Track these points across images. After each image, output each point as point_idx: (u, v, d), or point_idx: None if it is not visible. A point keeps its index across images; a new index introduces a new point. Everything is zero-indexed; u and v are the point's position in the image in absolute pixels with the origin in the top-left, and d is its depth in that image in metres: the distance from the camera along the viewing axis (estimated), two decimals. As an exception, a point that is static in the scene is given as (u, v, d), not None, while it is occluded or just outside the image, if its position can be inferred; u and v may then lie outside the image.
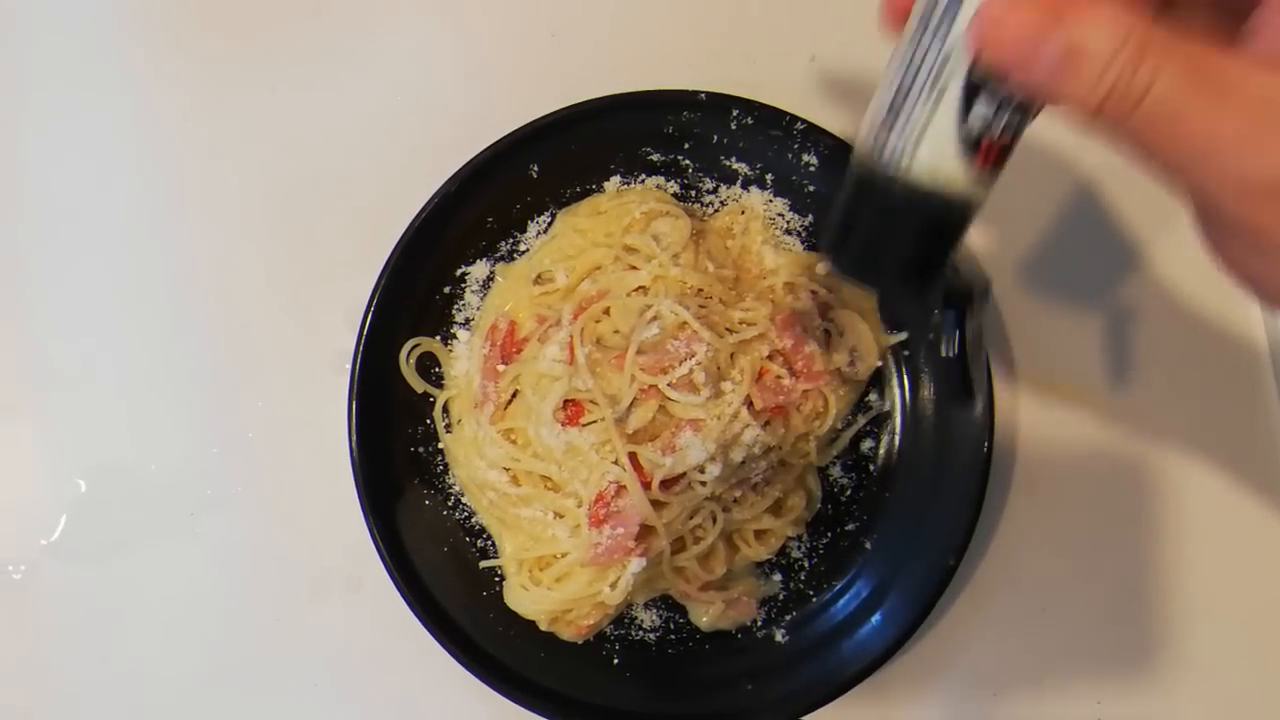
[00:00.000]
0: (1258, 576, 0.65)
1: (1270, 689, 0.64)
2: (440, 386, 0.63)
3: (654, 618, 0.63)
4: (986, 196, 0.38)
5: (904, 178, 0.36)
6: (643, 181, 0.64)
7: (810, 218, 0.64)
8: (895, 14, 0.38)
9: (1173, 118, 0.32)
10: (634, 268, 0.60)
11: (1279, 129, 0.32)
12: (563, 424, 0.58)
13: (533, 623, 0.60)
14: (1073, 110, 0.34)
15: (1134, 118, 0.32)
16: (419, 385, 0.63)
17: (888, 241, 0.38)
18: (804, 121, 0.61)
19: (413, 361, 0.62)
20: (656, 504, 0.57)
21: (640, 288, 0.60)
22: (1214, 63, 0.32)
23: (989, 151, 0.36)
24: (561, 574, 0.59)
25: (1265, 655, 0.64)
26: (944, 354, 0.41)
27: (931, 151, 0.36)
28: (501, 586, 0.62)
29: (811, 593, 0.63)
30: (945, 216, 0.37)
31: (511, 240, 0.64)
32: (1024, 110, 0.36)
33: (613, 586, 0.58)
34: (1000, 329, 0.65)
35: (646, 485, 0.56)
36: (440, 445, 0.63)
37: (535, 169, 0.63)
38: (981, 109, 0.35)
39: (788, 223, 0.64)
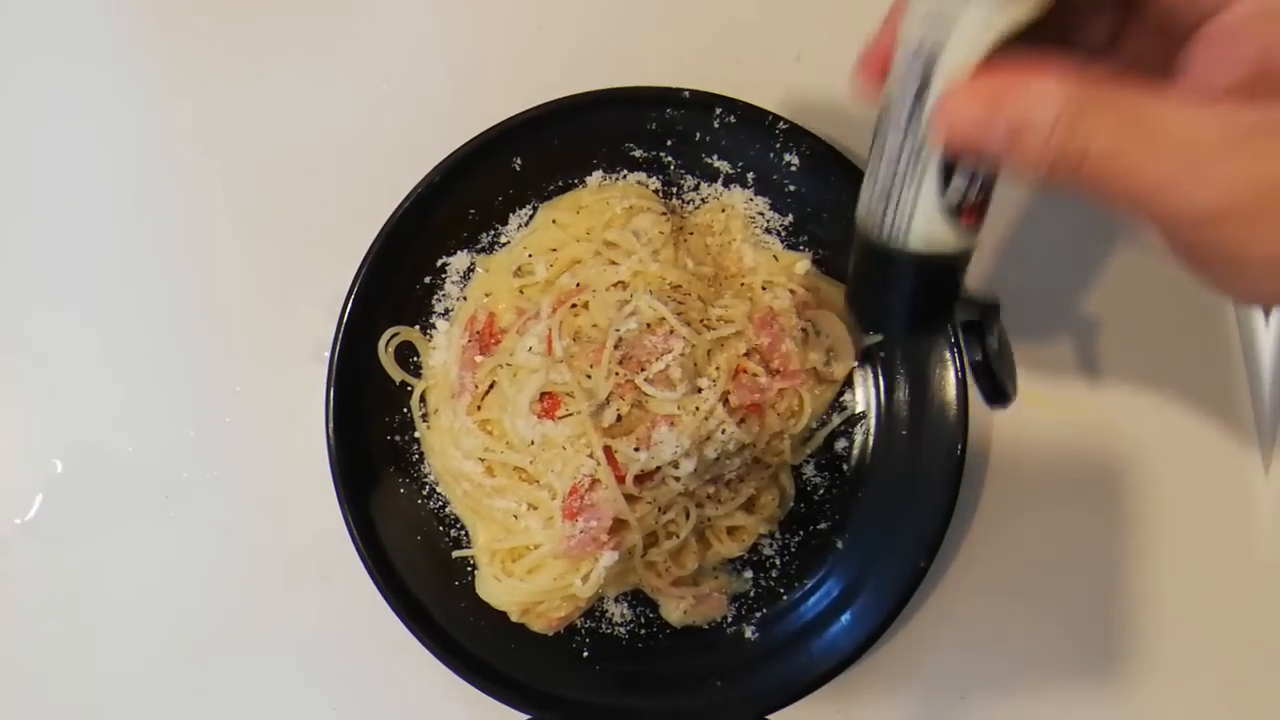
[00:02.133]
0: (1227, 581, 0.65)
1: (1238, 692, 0.65)
2: (418, 376, 0.64)
3: (625, 612, 0.63)
4: (975, 242, 0.43)
5: (904, 249, 0.42)
6: (625, 177, 0.64)
7: (790, 217, 0.64)
8: (870, 74, 0.43)
9: (1113, 170, 0.36)
10: (614, 263, 0.60)
11: (1206, 167, 0.35)
12: (539, 416, 0.58)
13: (504, 614, 0.61)
14: (1030, 174, 0.37)
15: (1080, 174, 0.36)
16: (397, 374, 0.63)
17: (900, 299, 0.44)
18: (786, 121, 0.62)
19: (391, 350, 0.63)
20: (630, 498, 0.57)
21: (620, 283, 0.60)
22: (1145, 110, 0.35)
23: (969, 212, 0.41)
24: (534, 566, 0.59)
25: (1233, 659, 0.65)
26: (971, 366, 0.48)
27: (923, 224, 0.41)
28: (474, 577, 0.62)
29: (782, 591, 0.63)
30: (944, 270, 0.43)
31: (493, 232, 0.64)
32: (994, 172, 0.41)
33: (584, 579, 0.58)
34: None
35: (621, 479, 0.56)
36: (417, 434, 0.63)
37: (518, 162, 0.63)
38: (958, 182, 0.40)
39: (768, 221, 0.64)
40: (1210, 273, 0.39)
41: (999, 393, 0.49)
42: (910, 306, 0.44)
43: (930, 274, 0.43)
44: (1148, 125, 0.35)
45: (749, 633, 0.63)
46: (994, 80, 0.37)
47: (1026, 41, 0.37)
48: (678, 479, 0.57)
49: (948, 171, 0.40)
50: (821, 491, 0.64)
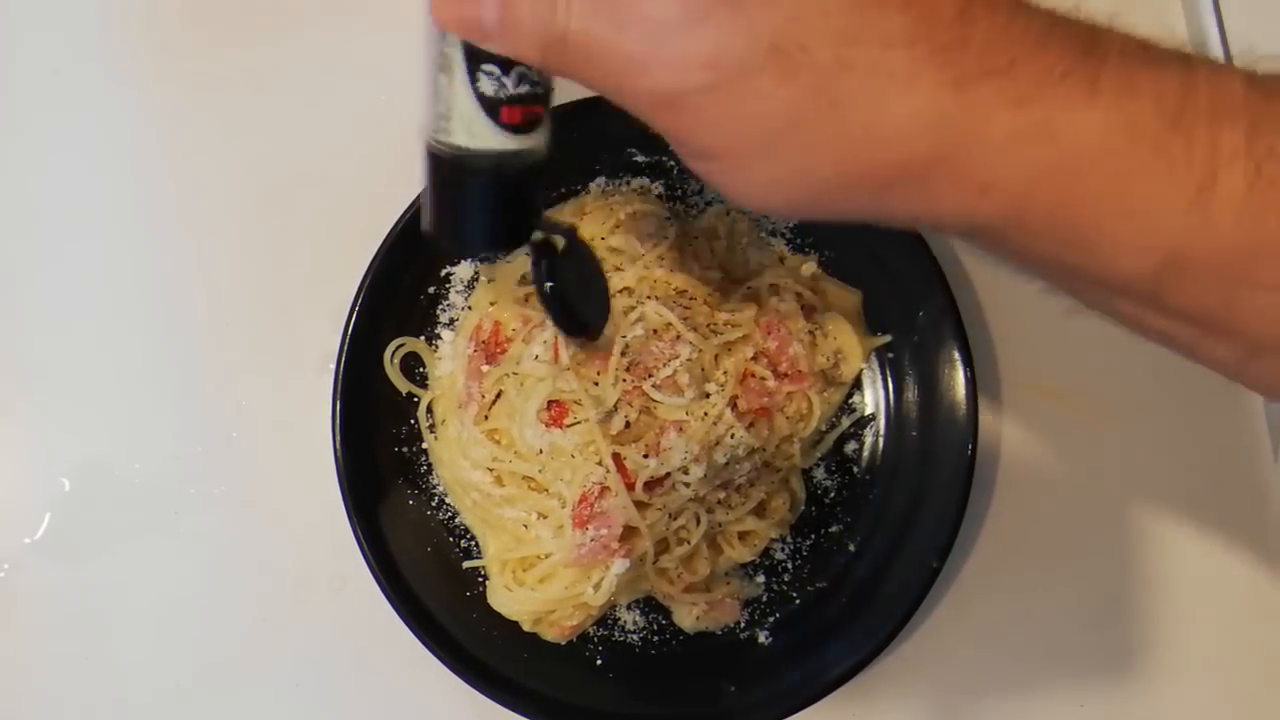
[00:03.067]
0: (1241, 575, 0.65)
1: (1251, 691, 0.65)
2: (424, 387, 0.63)
3: (637, 619, 0.63)
4: (538, 153, 0.41)
5: (450, 145, 0.40)
6: (628, 183, 0.64)
7: (795, 220, 0.64)
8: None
9: (589, 49, 0.35)
10: (619, 268, 0.60)
11: (664, 46, 0.33)
12: (546, 425, 0.58)
13: (516, 623, 0.60)
14: (529, 64, 0.37)
15: (567, 57, 0.35)
16: (403, 385, 0.63)
17: (464, 206, 0.42)
18: (789, 123, 0.61)
19: (397, 362, 0.62)
20: (640, 505, 0.57)
21: (625, 289, 0.59)
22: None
23: (511, 112, 0.39)
24: (545, 575, 0.59)
25: (1247, 658, 0.65)
26: (540, 293, 0.46)
27: (462, 119, 0.40)
28: (485, 587, 0.62)
29: (795, 594, 0.63)
30: (500, 173, 0.41)
31: (497, 241, 0.64)
32: (528, 77, 0.40)
33: (596, 587, 0.58)
34: (985, 332, 0.65)
35: (630, 486, 0.56)
36: (424, 446, 0.63)
37: (520, 169, 0.62)
38: (486, 84, 0.39)
39: (773, 224, 0.64)
40: (699, 171, 0.38)
41: (574, 323, 0.48)
42: (475, 217, 0.43)
43: (481, 176, 0.41)
44: (618, 5, 0.34)
45: (762, 637, 0.63)
46: None
47: None
48: (688, 485, 0.57)
49: (473, 73, 0.39)
50: (832, 494, 0.64)
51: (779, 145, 0.34)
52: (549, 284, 0.45)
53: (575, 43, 0.35)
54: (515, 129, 0.40)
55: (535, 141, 0.41)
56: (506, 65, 0.39)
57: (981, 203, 0.34)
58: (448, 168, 0.41)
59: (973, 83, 0.32)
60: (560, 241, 0.45)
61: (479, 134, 0.40)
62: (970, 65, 0.32)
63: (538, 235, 0.44)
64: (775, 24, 0.32)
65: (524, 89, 0.40)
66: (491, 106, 0.39)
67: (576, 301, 0.47)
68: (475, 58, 0.39)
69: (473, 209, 0.42)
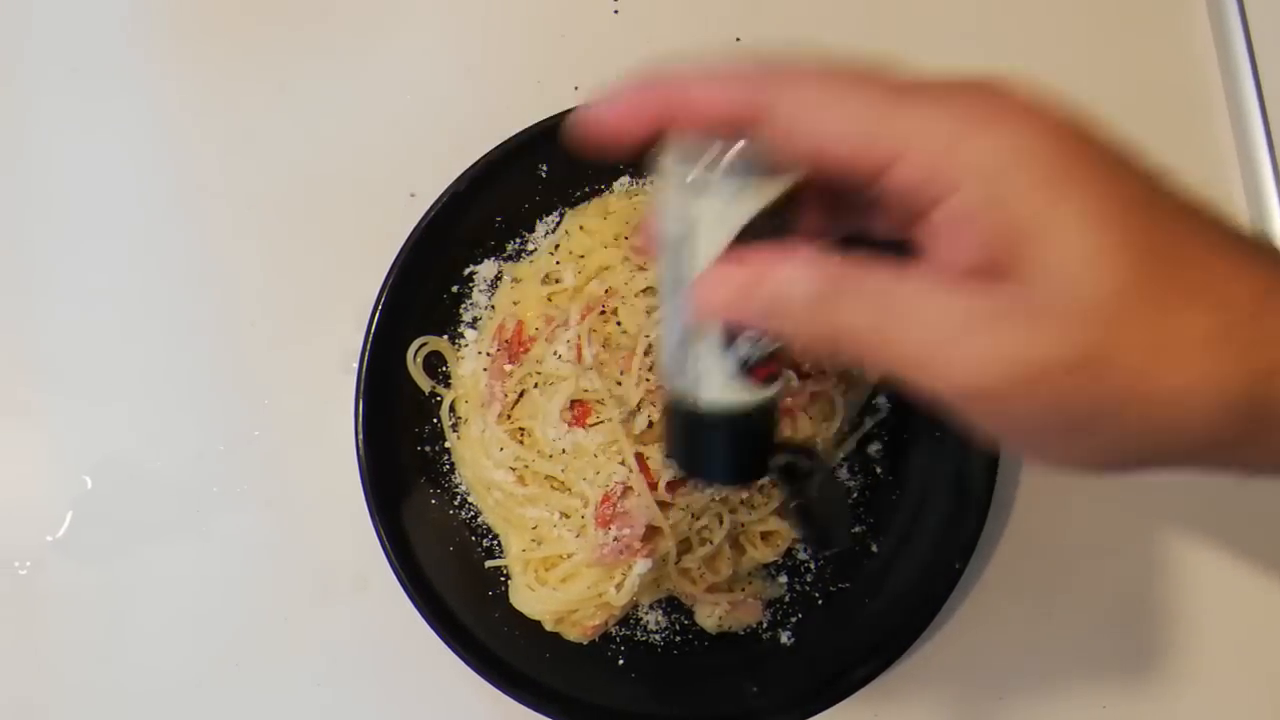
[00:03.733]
0: (1264, 581, 0.65)
1: (1273, 694, 0.64)
2: (447, 386, 0.63)
3: (660, 619, 0.63)
4: (778, 396, 0.44)
5: (702, 402, 0.42)
6: (652, 182, 0.64)
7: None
8: (647, 253, 0.45)
9: (871, 346, 0.36)
10: (642, 268, 0.60)
11: (954, 349, 0.34)
12: (569, 424, 0.58)
13: (538, 623, 0.60)
14: (798, 347, 0.40)
15: (840, 348, 0.37)
16: (426, 384, 0.63)
17: (711, 456, 0.45)
18: (813, 123, 0.61)
19: (420, 360, 0.62)
20: (663, 505, 0.56)
21: (649, 288, 0.59)
22: (893, 291, 0.35)
23: (759, 370, 0.42)
24: (567, 574, 0.59)
25: (1269, 661, 0.64)
26: (789, 512, 0.52)
27: (714, 389, 0.42)
28: (507, 586, 0.62)
29: (818, 595, 0.63)
30: (747, 423, 0.43)
31: (520, 240, 0.64)
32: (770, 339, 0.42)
33: (618, 587, 0.58)
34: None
35: (653, 486, 0.56)
36: (447, 444, 0.63)
37: (544, 169, 0.62)
38: (742, 347, 0.41)
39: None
40: (996, 439, 0.40)
41: (821, 538, 0.51)
42: (724, 458, 0.45)
43: (733, 427, 0.43)
44: (897, 307, 0.35)
45: (785, 638, 0.63)
46: (742, 266, 0.38)
47: (773, 235, 0.39)
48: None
49: (731, 338, 0.40)
50: (856, 494, 0.64)
51: (1082, 432, 0.35)
52: (794, 503, 0.49)
53: (852, 340, 0.36)
54: (763, 383, 0.42)
55: (775, 393, 0.43)
56: (754, 340, 0.41)
57: None
58: (699, 419, 0.43)
59: (1273, 374, 0.34)
60: (805, 465, 0.47)
61: (729, 391, 0.42)
62: (1270, 357, 0.34)
63: (781, 460, 0.46)
64: (1084, 339, 0.34)
65: (776, 346, 0.41)
66: (744, 368, 0.41)
67: (819, 514, 0.49)
68: (734, 330, 0.40)
69: (722, 452, 0.45)
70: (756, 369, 0.41)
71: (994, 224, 0.35)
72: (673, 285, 0.41)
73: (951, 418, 0.37)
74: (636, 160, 0.41)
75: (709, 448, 0.44)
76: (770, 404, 0.43)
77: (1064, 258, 0.33)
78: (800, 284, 0.36)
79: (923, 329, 0.35)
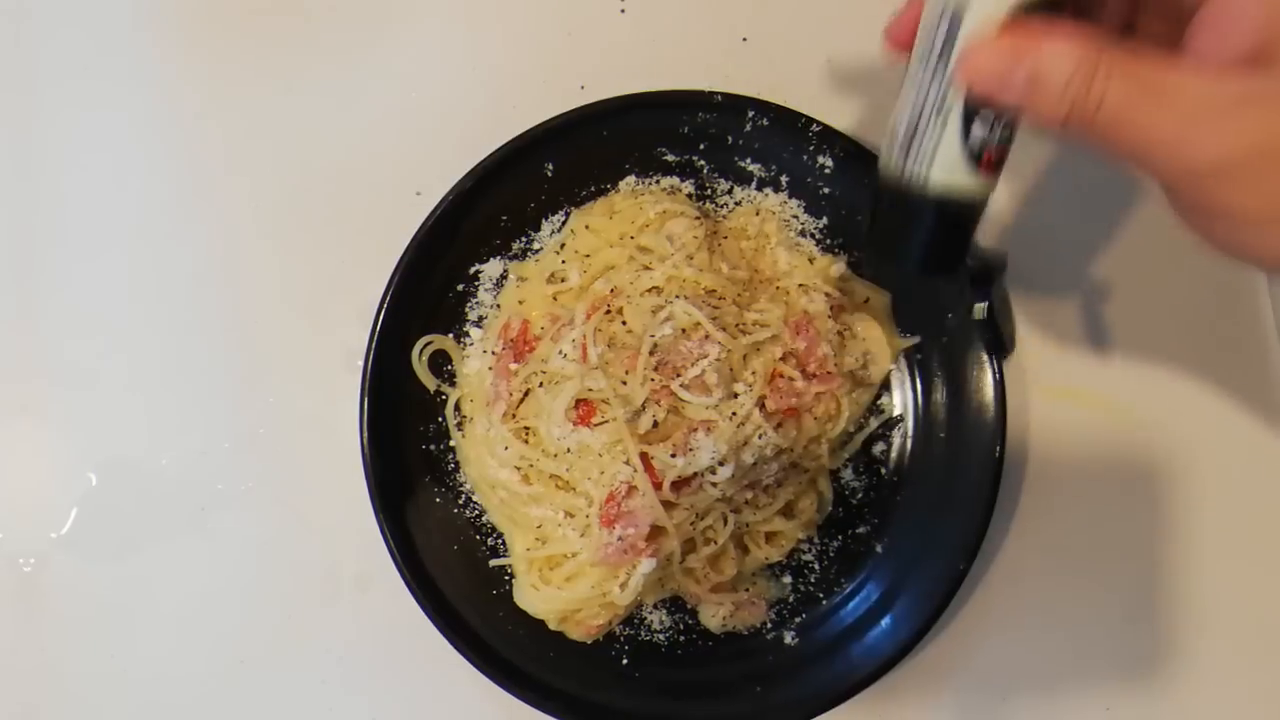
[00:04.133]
0: (1268, 582, 0.65)
1: (1277, 691, 0.64)
2: (452, 384, 0.63)
3: (663, 619, 0.63)
4: (993, 189, 0.46)
5: (924, 192, 0.45)
6: (658, 182, 0.64)
7: (825, 220, 0.64)
8: (897, 40, 0.46)
9: (1123, 123, 0.39)
10: (648, 268, 0.60)
11: (1210, 126, 0.38)
12: (574, 423, 0.58)
13: (542, 622, 0.60)
14: (1046, 124, 0.41)
15: (1093, 126, 0.39)
16: (431, 383, 0.63)
17: (917, 242, 0.46)
18: (820, 124, 0.61)
19: (425, 359, 0.62)
20: (667, 505, 0.56)
21: (654, 288, 0.59)
22: (1155, 75, 0.39)
23: (989, 160, 0.44)
24: (571, 574, 0.59)
25: (1274, 664, 0.64)
26: (978, 318, 0.54)
27: (944, 169, 0.44)
28: (511, 585, 0.62)
29: (822, 595, 0.63)
30: (961, 215, 0.46)
31: (525, 239, 0.64)
32: (1012, 124, 0.44)
33: (622, 587, 0.58)
34: (1014, 334, 0.65)
35: (658, 486, 0.56)
36: (451, 443, 0.63)
37: (550, 167, 0.62)
38: (979, 129, 0.43)
39: (802, 224, 0.64)
40: (1212, 230, 0.42)
41: (1000, 344, 0.54)
42: (926, 249, 0.46)
43: (947, 217, 0.45)
44: (1158, 86, 0.39)
45: (789, 638, 0.63)
46: (1014, 38, 0.41)
47: (1045, 17, 0.41)
48: (715, 485, 0.57)
49: (968, 120, 0.43)
50: (860, 495, 0.64)
51: None
52: (985, 304, 0.52)
53: (1107, 116, 0.39)
54: (987, 172, 0.44)
55: (995, 181, 0.45)
56: (995, 121, 0.43)
57: None
58: (915, 200, 0.45)
59: None
60: (1000, 265, 0.50)
61: (956, 173, 0.44)
62: None
63: (975, 261, 0.49)
64: None
65: (1002, 145, 0.44)
66: (976, 151, 0.43)
67: (1002, 323, 0.53)
68: (970, 113, 0.43)
69: (928, 237, 0.46)
70: (985, 160, 0.43)
71: (1262, 10, 0.38)
72: (929, 56, 0.43)
73: (1180, 213, 0.41)
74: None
75: (918, 231, 0.46)
76: (984, 201, 0.45)
77: None
78: (1068, 58, 0.39)
79: (1180, 106, 0.38)
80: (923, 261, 0.47)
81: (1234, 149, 0.38)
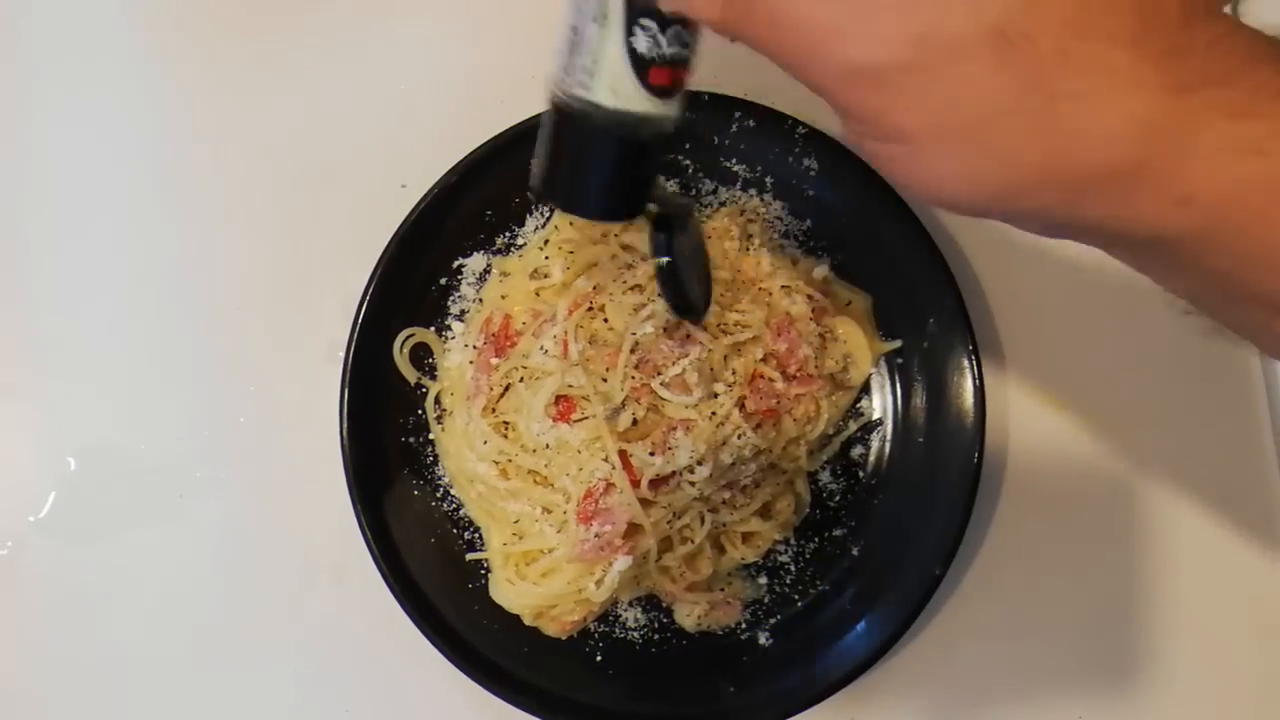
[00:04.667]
0: (1242, 594, 0.65)
1: (1254, 702, 0.65)
2: (433, 377, 0.63)
3: (638, 617, 0.63)
4: (672, 120, 0.41)
5: (588, 101, 0.39)
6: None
7: (809, 222, 0.64)
8: None
9: (778, 11, 0.33)
10: (630, 266, 0.60)
11: (868, 18, 0.32)
12: (554, 419, 0.58)
13: (517, 617, 0.60)
14: (710, 29, 0.36)
15: (751, 20, 0.34)
16: (412, 375, 0.63)
17: (588, 166, 0.41)
18: (806, 126, 0.61)
19: (406, 352, 0.62)
20: (645, 503, 0.57)
21: (636, 286, 0.59)
22: None
23: (663, 80, 0.39)
24: (547, 569, 0.59)
25: (1247, 674, 0.65)
26: (656, 270, 0.46)
27: (608, 74, 0.39)
28: (487, 579, 0.62)
29: (797, 597, 0.63)
30: (634, 136, 0.40)
31: (509, 234, 0.64)
32: (683, 37, 0.39)
33: (598, 584, 0.58)
34: (995, 341, 0.65)
35: (635, 484, 0.56)
36: (431, 436, 0.63)
37: (536, 164, 0.62)
38: (642, 41, 0.38)
39: (786, 226, 0.64)
40: (877, 154, 0.36)
41: (684, 303, 0.47)
42: (597, 187, 0.42)
43: (617, 136, 0.40)
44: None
45: (763, 639, 0.63)
46: None
47: None
48: (693, 484, 0.57)
49: (632, 21, 0.38)
50: (837, 498, 0.64)
51: (980, 133, 0.33)
52: (666, 259, 0.44)
53: (762, 12, 0.34)
54: (659, 93, 0.39)
55: (671, 110, 0.40)
56: (665, 23, 0.38)
57: (1177, 214, 0.33)
58: (579, 123, 0.40)
59: (1191, 91, 0.31)
60: (681, 214, 0.43)
61: (622, 93, 0.39)
62: (1190, 73, 0.31)
63: (653, 208, 0.43)
64: (1001, 7, 0.31)
65: (675, 50, 0.39)
66: (642, 66, 0.38)
67: (687, 280, 0.46)
68: (635, 12, 0.38)
69: (598, 170, 0.41)
70: (655, 70, 0.39)
71: None
72: None
73: (850, 136, 0.35)
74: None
75: (587, 164, 0.41)
76: (662, 123, 0.40)
77: None
78: None
79: (825, 78, 0.33)
80: (593, 201, 0.42)
81: (889, 46, 0.32)
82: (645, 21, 0.38)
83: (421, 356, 0.63)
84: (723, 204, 0.64)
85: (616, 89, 0.39)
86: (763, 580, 0.63)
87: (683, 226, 0.44)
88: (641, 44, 0.38)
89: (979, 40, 0.31)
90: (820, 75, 0.34)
